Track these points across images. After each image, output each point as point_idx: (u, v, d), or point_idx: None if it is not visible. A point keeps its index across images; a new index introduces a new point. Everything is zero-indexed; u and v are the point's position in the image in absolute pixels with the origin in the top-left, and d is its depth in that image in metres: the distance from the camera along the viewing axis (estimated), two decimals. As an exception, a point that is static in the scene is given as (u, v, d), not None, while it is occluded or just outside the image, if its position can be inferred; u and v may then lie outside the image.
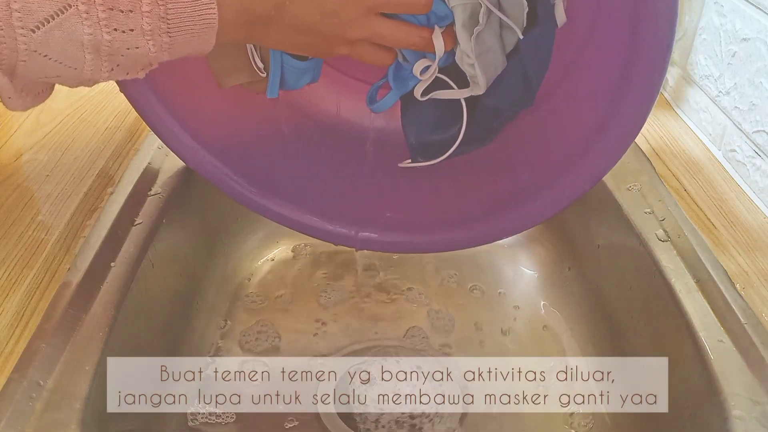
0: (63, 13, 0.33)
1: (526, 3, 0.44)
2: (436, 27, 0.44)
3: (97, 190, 0.56)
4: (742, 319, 0.45)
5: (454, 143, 0.50)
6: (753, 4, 0.59)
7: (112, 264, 0.49)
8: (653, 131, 0.68)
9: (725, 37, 0.63)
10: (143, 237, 0.53)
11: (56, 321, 0.44)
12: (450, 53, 0.46)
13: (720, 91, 0.64)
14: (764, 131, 0.57)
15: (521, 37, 0.44)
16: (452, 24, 0.44)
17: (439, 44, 0.44)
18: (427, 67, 0.47)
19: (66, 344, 0.42)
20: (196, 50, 0.38)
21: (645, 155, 0.64)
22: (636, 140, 0.66)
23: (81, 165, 0.59)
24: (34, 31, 0.33)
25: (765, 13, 0.57)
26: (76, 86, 0.38)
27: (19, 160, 0.59)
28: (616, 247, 0.59)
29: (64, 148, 0.61)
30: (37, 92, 0.39)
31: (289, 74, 0.47)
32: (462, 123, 0.49)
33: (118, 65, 0.36)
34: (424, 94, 0.49)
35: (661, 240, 0.53)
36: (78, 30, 0.34)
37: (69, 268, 0.48)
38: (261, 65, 0.47)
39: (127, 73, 0.38)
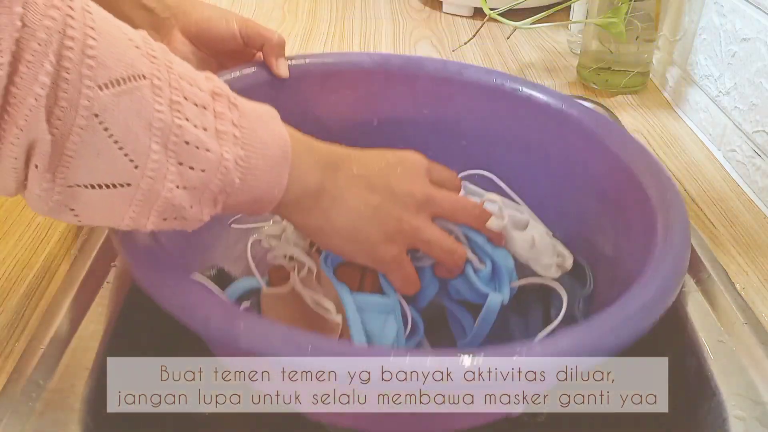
0: (136, 80, 0.26)
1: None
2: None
3: (97, 190, 0.56)
4: (742, 319, 0.45)
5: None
6: (753, 4, 0.59)
7: (113, 264, 0.49)
8: (653, 131, 0.68)
9: (725, 37, 0.63)
10: (143, 237, 0.53)
11: (56, 321, 0.44)
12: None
13: (720, 91, 0.64)
14: (764, 131, 0.57)
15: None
16: None
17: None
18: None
19: (66, 344, 0.42)
20: (264, 190, 0.33)
21: (645, 155, 0.63)
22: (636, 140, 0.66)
23: (81, 165, 0.58)
24: (102, 89, 0.25)
25: (765, 13, 0.57)
26: (119, 224, 0.29)
27: (19, 160, 0.59)
28: (616, 247, 0.59)
29: (64, 148, 0.61)
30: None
31: (371, 317, 0.41)
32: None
33: (185, 177, 0.28)
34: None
35: (661, 240, 0.53)
36: (149, 104, 0.26)
37: (69, 268, 0.48)
38: (331, 307, 0.41)
39: (192, 206, 0.30)
